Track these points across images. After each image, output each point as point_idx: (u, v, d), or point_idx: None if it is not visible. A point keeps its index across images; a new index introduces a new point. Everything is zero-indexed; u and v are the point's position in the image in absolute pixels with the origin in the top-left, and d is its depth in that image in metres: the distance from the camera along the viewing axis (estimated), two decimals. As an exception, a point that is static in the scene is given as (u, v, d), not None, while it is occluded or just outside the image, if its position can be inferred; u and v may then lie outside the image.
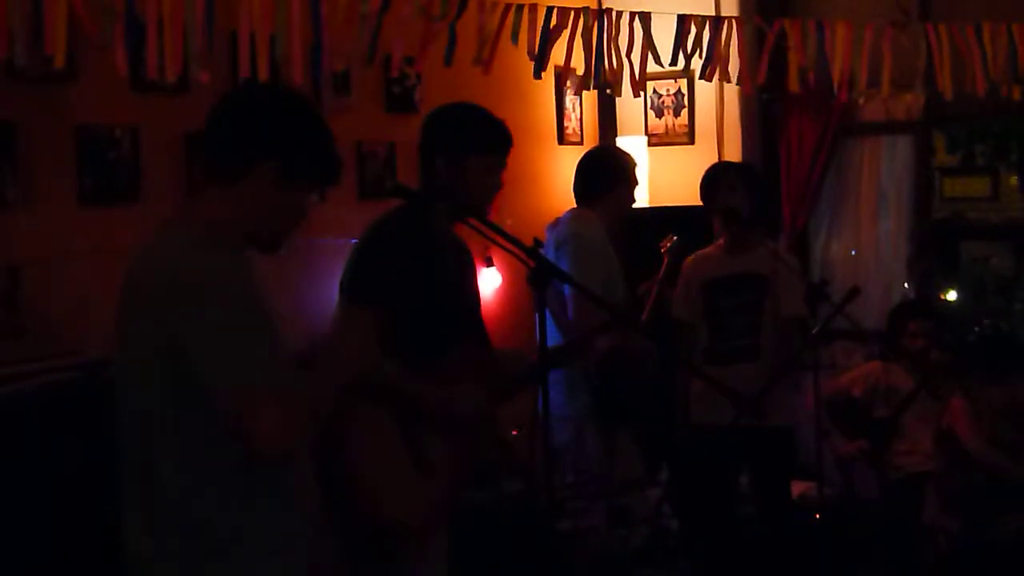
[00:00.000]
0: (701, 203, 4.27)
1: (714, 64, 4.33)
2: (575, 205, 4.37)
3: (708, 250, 4.32)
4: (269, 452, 2.03)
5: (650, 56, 4.33)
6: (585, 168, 4.40)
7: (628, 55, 4.30)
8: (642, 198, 5.45)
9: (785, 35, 4.35)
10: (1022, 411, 4.31)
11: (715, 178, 4.22)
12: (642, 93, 6.04)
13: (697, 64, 4.43)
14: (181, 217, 2.26)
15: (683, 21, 4.29)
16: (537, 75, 4.10)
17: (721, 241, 4.27)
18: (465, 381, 2.93)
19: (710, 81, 4.45)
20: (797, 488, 4.61)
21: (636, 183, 4.41)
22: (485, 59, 3.83)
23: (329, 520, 2.75)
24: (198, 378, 2.02)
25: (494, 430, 3.06)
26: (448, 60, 3.79)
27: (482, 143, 3.11)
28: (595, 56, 4.19)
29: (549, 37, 4.02)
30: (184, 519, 2.09)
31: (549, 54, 4.06)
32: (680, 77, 5.90)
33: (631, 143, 5.74)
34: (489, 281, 5.41)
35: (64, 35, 2.96)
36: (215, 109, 2.22)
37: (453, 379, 2.93)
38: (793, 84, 4.38)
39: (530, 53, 4.00)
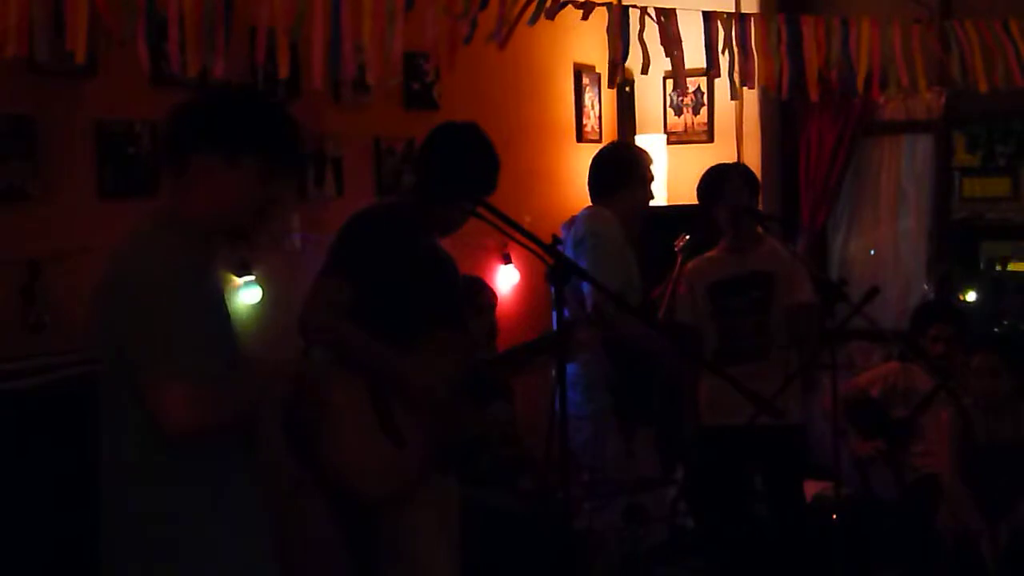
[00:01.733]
0: (700, 203, 4.27)
1: (751, 68, 4.25)
2: (590, 203, 4.36)
3: (710, 253, 4.32)
4: (178, 429, 2.11)
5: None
6: (599, 165, 4.38)
7: (669, 53, 4.19)
8: (660, 196, 5.44)
9: (810, 32, 4.29)
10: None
11: (720, 179, 4.22)
12: (666, 89, 6.07)
13: (721, 62, 4.37)
14: (151, 216, 2.32)
15: (709, 19, 4.24)
16: (535, 18, 3.79)
17: (722, 243, 4.27)
18: (432, 356, 3.01)
19: (752, 88, 4.37)
20: (814, 488, 4.60)
21: (651, 179, 4.38)
22: (502, 36, 3.70)
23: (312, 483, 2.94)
24: (130, 359, 2.13)
25: (461, 405, 3.12)
26: (469, 39, 3.69)
27: None
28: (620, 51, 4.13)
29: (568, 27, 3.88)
30: (155, 506, 2.19)
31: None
32: (700, 75, 5.86)
33: (650, 141, 5.72)
34: (507, 278, 5.40)
35: (85, 31, 2.96)
36: (185, 108, 2.31)
37: (421, 354, 3.01)
38: (814, 83, 4.32)
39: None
